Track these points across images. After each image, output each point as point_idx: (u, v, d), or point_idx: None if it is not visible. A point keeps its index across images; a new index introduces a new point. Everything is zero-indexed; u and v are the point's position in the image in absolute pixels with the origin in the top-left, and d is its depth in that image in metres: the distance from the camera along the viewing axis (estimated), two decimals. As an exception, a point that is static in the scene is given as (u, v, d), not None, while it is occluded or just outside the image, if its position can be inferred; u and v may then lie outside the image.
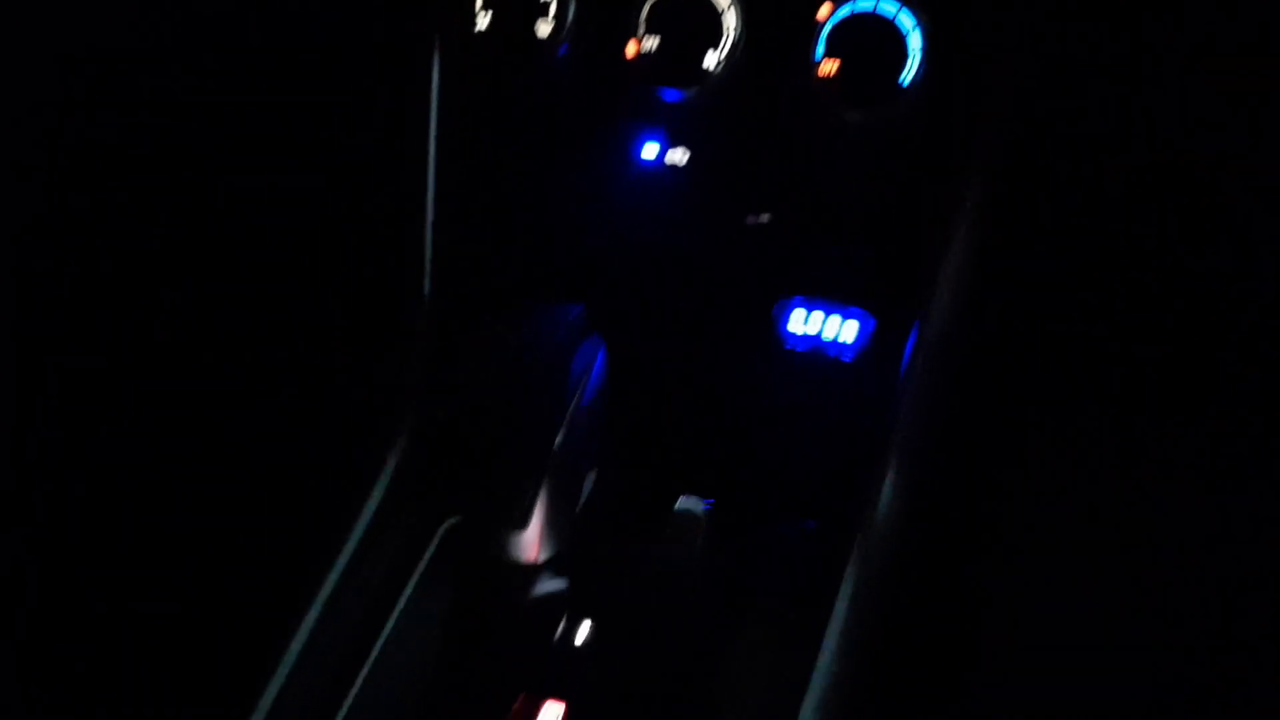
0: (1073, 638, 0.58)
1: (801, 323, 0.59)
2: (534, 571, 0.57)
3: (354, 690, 0.57)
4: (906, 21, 0.54)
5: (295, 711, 0.56)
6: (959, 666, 0.60)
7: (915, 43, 0.54)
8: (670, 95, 0.58)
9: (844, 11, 0.55)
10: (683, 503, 0.59)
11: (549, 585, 0.58)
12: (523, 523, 0.55)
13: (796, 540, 0.60)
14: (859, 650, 0.54)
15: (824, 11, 0.55)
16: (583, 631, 0.58)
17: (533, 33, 0.59)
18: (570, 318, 0.57)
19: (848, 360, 0.59)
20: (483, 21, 0.59)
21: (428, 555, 0.61)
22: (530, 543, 0.55)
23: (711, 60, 0.57)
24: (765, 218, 0.60)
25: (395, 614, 0.59)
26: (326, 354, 0.66)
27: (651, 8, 0.57)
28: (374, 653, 0.58)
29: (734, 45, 0.57)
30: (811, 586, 0.56)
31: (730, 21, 0.57)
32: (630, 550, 0.57)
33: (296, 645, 0.57)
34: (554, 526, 0.56)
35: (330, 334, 0.66)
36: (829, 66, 0.55)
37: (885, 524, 0.56)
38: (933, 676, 0.59)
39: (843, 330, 0.59)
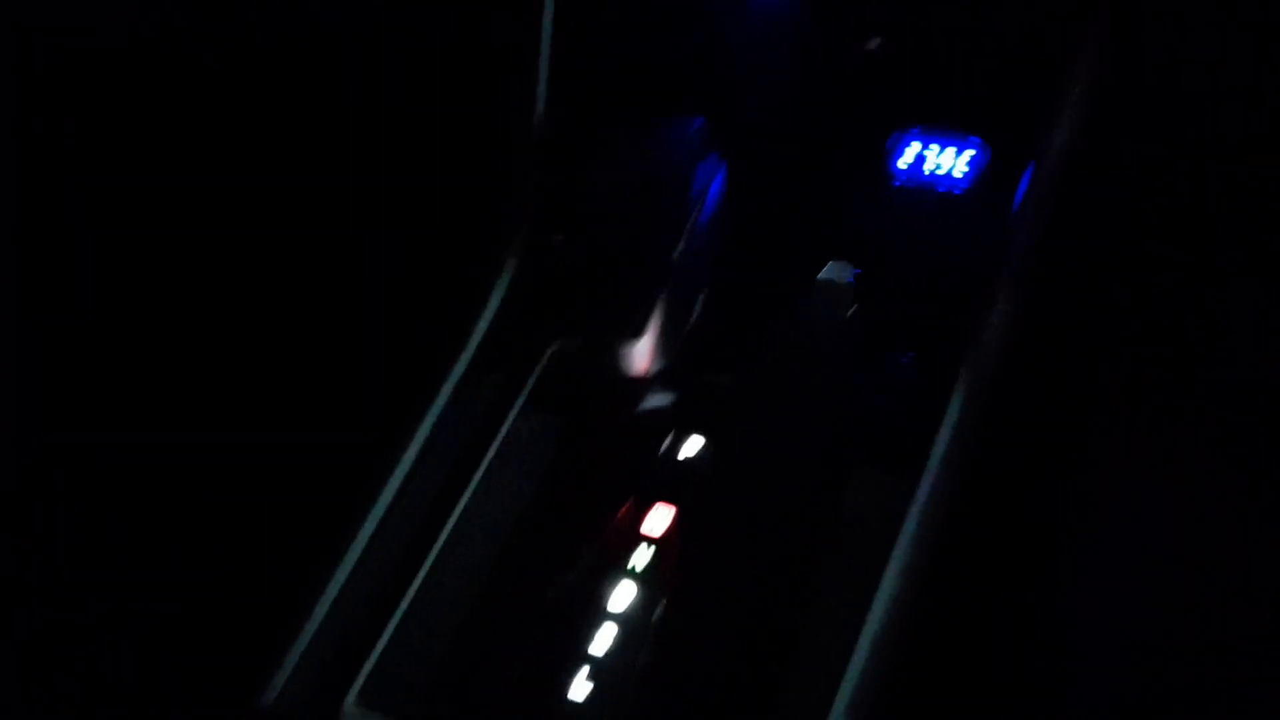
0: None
1: (915, 154, 0.60)
2: (644, 384, 0.58)
3: (460, 506, 0.58)
4: None
5: (404, 524, 0.58)
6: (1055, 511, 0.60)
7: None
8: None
9: None
10: (829, 270, 0.58)
11: (658, 400, 0.60)
12: (637, 333, 0.56)
13: (900, 371, 0.60)
14: (957, 487, 0.55)
15: None
16: (692, 445, 0.59)
17: None
18: (691, 133, 0.58)
19: (960, 193, 0.59)
20: None
21: (534, 377, 0.62)
22: (642, 355, 0.57)
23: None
24: (883, 45, 0.60)
25: (501, 434, 0.60)
26: (442, 168, 0.66)
27: None
28: (480, 471, 0.59)
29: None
30: (915, 419, 0.57)
31: None
32: (773, 323, 0.57)
33: (408, 458, 0.59)
34: (667, 340, 0.57)
35: (445, 149, 0.67)
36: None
37: (990, 357, 0.57)
38: (1033, 516, 0.59)
39: (957, 162, 0.60)
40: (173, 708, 0.55)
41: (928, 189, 0.60)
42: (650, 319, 0.56)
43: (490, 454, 0.60)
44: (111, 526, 0.63)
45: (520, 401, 0.61)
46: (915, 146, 0.60)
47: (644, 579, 0.56)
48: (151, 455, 0.63)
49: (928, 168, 0.60)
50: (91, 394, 0.64)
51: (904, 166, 0.61)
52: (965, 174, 0.60)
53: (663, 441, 0.59)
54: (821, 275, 0.58)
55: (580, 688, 0.53)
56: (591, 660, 0.54)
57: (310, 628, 0.55)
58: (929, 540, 0.53)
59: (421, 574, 0.56)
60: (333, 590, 0.55)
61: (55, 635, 0.60)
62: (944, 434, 0.55)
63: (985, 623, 0.53)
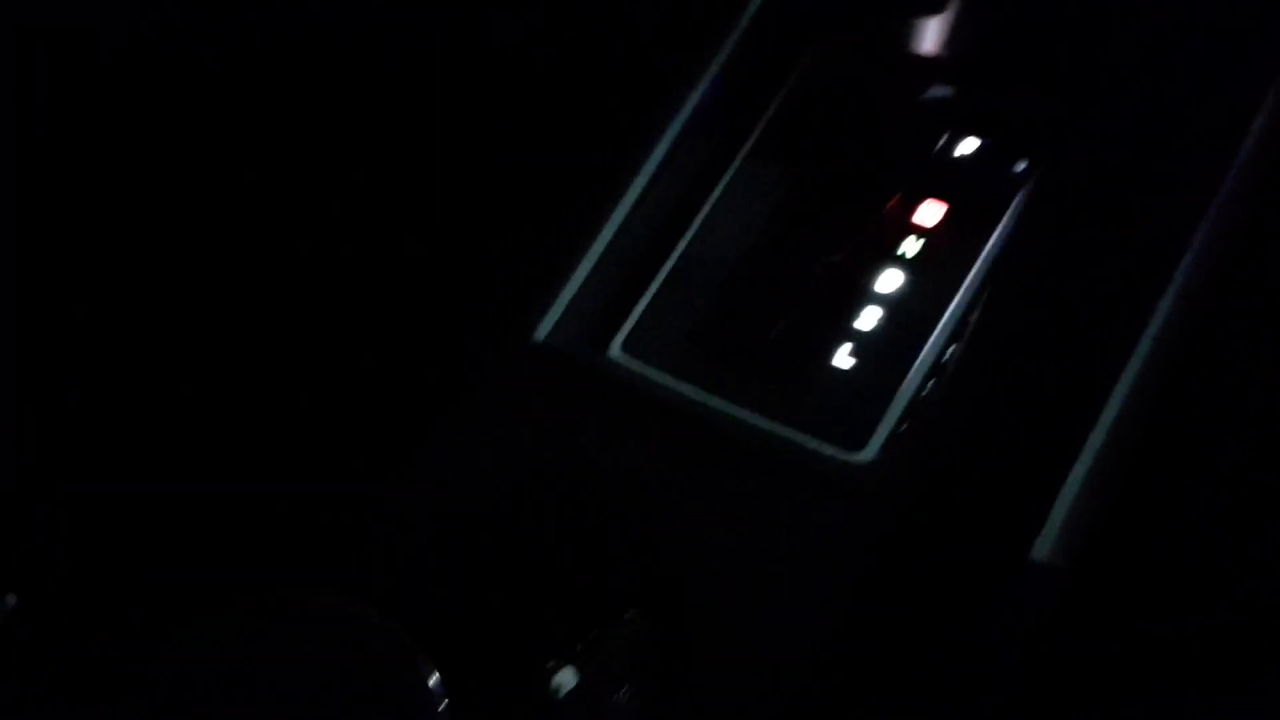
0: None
1: None
2: (930, 68, 0.57)
3: (727, 175, 0.58)
4: None
5: (674, 183, 0.58)
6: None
7: None
8: None
9: None
10: None
11: (940, 90, 0.58)
12: (938, 6, 0.54)
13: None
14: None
15: None
16: (969, 144, 0.58)
17: None
18: None
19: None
20: None
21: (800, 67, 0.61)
22: (935, 32, 0.55)
23: None
24: None
25: (768, 115, 0.60)
26: None
27: None
28: (749, 144, 0.59)
29: None
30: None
31: None
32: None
33: (682, 115, 0.59)
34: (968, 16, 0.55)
35: None
36: None
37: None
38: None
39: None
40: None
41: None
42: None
43: (759, 130, 0.59)
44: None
45: (789, 85, 0.60)
46: None
47: (912, 266, 0.55)
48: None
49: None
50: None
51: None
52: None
53: (938, 138, 0.58)
54: None
55: (843, 359, 0.53)
56: (856, 335, 0.54)
57: (579, 275, 0.55)
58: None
59: (689, 234, 0.56)
60: (602, 240, 0.56)
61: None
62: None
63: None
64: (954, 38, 0.56)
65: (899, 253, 0.56)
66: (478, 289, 0.58)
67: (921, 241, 0.56)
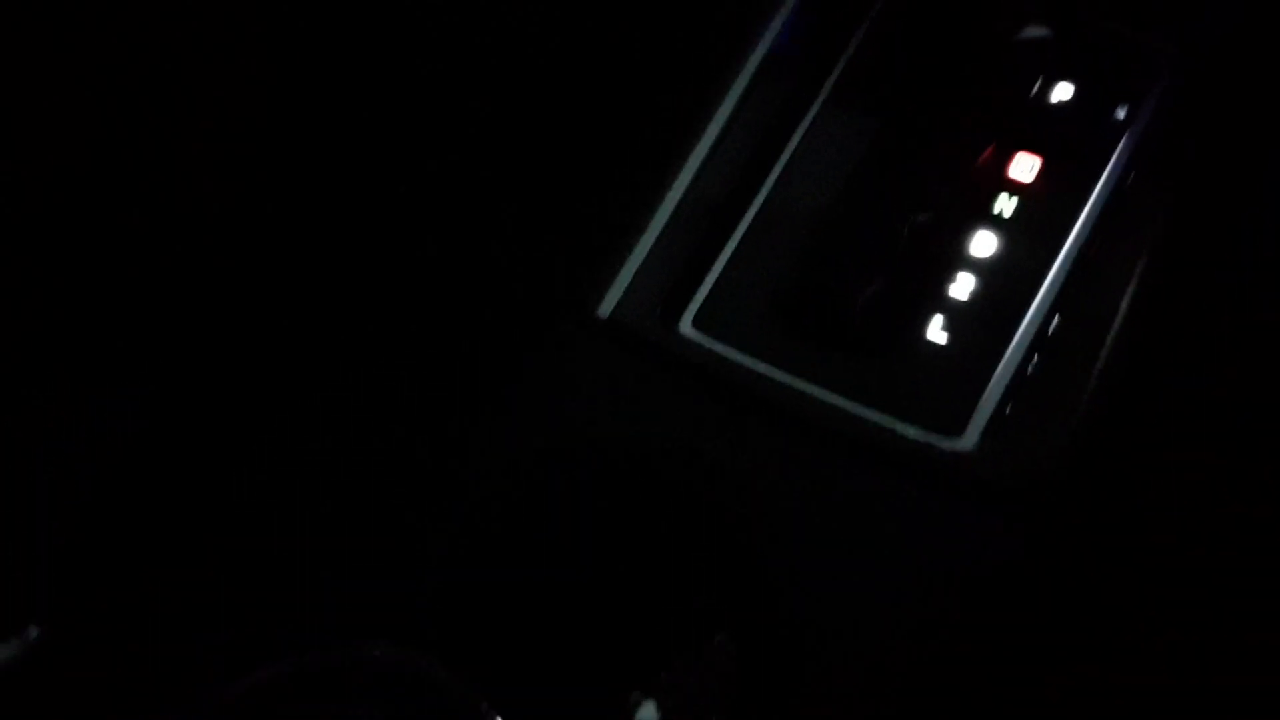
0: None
1: None
2: (1018, 5, 0.52)
3: (800, 129, 0.53)
4: None
5: (743, 141, 0.53)
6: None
7: None
8: None
9: None
10: None
11: (1035, 31, 0.53)
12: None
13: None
14: None
15: None
16: (1064, 90, 0.53)
17: None
18: None
19: None
20: None
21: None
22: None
23: None
24: None
25: (848, 54, 0.55)
26: None
27: None
28: (823, 93, 0.54)
29: None
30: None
31: None
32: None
33: (746, 73, 0.54)
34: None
35: None
36: None
37: None
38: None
39: None
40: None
41: None
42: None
43: (834, 76, 0.54)
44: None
45: (863, 30, 0.55)
46: None
47: (1008, 227, 0.50)
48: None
49: None
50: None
51: None
52: None
53: (1033, 84, 0.53)
54: None
55: (936, 333, 0.49)
56: (950, 306, 0.49)
57: (645, 242, 0.51)
58: None
59: (763, 193, 0.51)
60: (670, 202, 0.51)
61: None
62: None
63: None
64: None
65: (994, 212, 0.51)
66: (535, 261, 0.54)
67: (1016, 199, 0.51)
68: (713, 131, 0.52)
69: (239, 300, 0.55)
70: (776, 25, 0.55)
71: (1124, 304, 0.49)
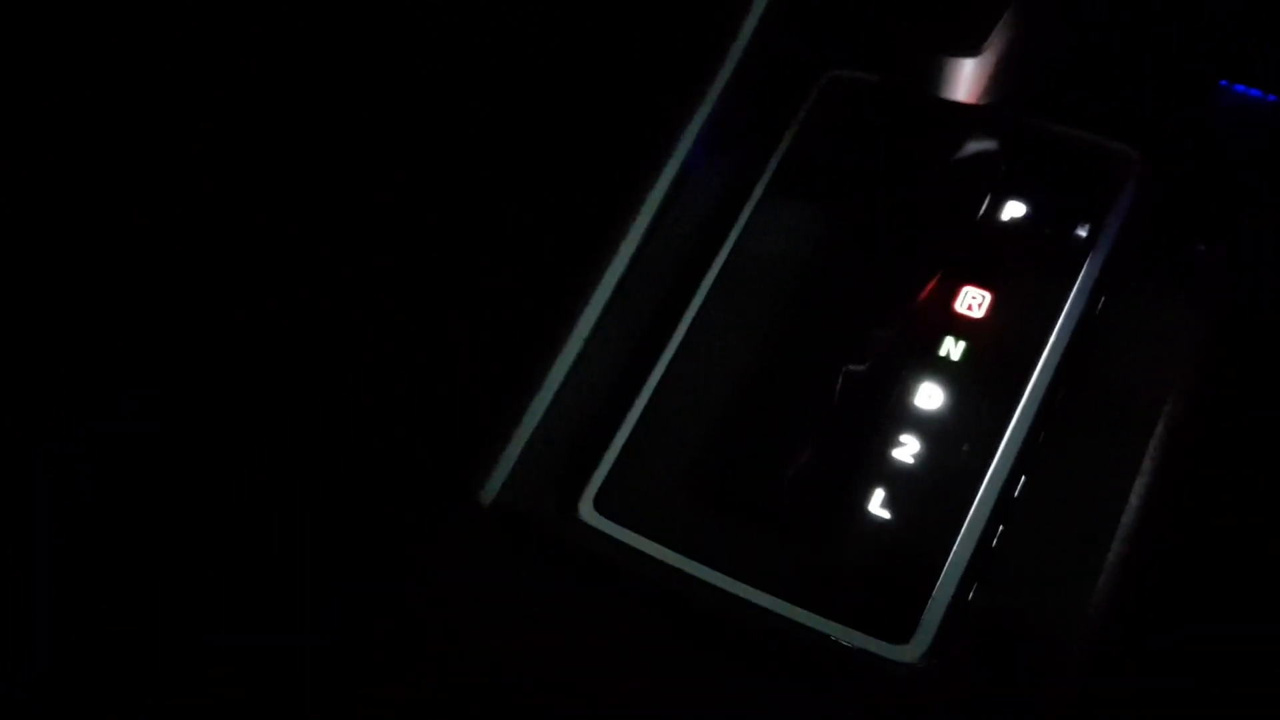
0: None
1: None
2: (970, 116, 0.45)
3: (714, 269, 0.46)
4: None
5: (643, 291, 0.46)
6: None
7: None
8: None
9: None
10: None
11: (981, 145, 0.46)
12: (975, 46, 0.42)
13: None
14: None
15: None
16: (1014, 209, 0.46)
17: None
18: None
19: None
20: None
21: (805, 109, 0.49)
22: (975, 77, 0.43)
23: None
24: None
25: (769, 171, 0.48)
26: None
27: None
28: (738, 226, 0.47)
29: None
30: None
31: None
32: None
33: (646, 211, 0.47)
34: (1009, 65, 0.44)
35: None
36: None
37: None
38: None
39: None
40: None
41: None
42: (993, 31, 0.42)
43: (750, 205, 0.47)
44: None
45: (788, 139, 0.48)
46: None
47: (958, 374, 0.43)
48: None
49: None
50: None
51: None
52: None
53: (979, 204, 0.46)
54: None
55: (877, 508, 0.41)
56: (893, 473, 0.42)
57: (534, 413, 0.43)
58: None
59: (669, 352, 0.44)
60: (563, 363, 0.44)
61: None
62: None
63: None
64: (995, 81, 0.44)
65: (940, 354, 0.44)
66: (419, 434, 0.46)
67: (964, 343, 0.44)
68: (616, 265, 0.45)
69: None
70: (690, 136, 0.49)
71: (1103, 460, 0.41)
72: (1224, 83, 0.48)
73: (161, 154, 0.54)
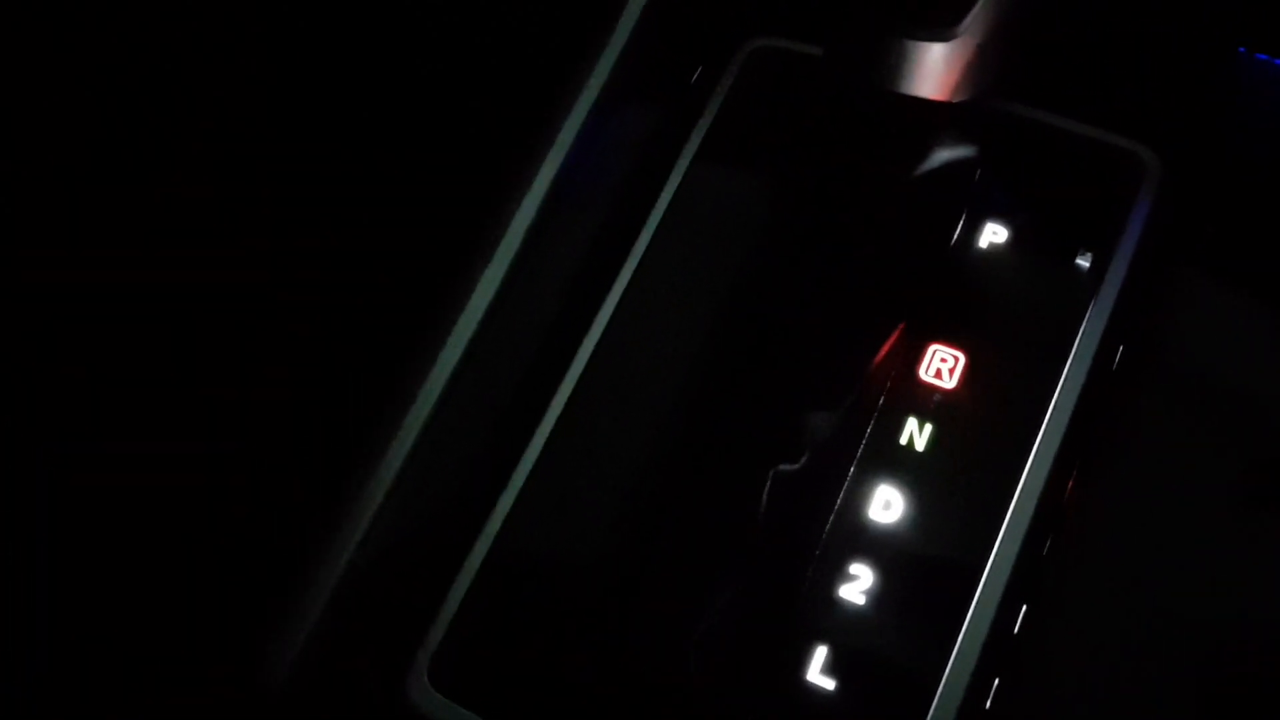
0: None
1: None
2: (941, 116, 0.33)
3: (598, 328, 0.35)
4: None
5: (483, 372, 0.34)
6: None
7: None
8: None
9: None
10: None
11: (956, 151, 0.34)
12: (951, 23, 0.30)
13: None
14: None
15: None
16: (994, 233, 0.34)
17: None
18: None
19: None
20: None
21: (725, 87, 0.37)
22: (947, 70, 0.32)
23: None
24: None
25: (667, 194, 0.36)
26: None
27: None
28: (630, 265, 0.35)
29: None
30: None
31: None
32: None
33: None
34: (990, 59, 0.32)
35: None
36: None
37: None
38: None
39: None
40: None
41: None
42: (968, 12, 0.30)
43: (647, 235, 0.35)
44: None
45: (697, 140, 0.37)
46: None
47: (924, 472, 0.32)
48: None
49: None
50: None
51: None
52: None
53: (952, 227, 0.34)
54: None
55: (818, 675, 0.30)
56: (840, 625, 0.30)
57: (334, 563, 0.31)
58: None
59: (530, 454, 0.32)
60: (374, 490, 0.32)
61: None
62: None
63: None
64: (969, 76, 0.32)
65: (901, 442, 0.32)
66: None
67: (930, 427, 0.32)
68: (453, 349, 0.33)
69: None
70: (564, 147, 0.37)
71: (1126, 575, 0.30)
72: (1242, 50, 0.37)
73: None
